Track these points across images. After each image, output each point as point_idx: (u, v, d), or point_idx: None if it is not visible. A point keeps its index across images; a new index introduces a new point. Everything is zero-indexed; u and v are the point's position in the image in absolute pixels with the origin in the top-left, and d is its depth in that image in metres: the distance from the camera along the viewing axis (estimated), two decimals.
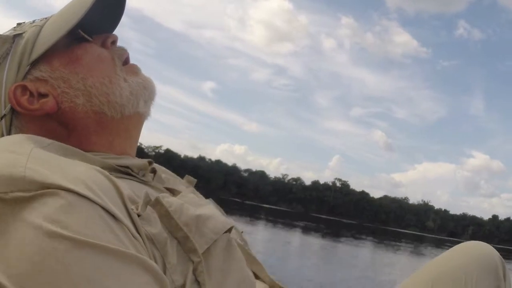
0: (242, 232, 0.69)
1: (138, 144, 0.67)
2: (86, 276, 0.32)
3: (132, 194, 0.49)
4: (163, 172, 0.68)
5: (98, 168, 0.41)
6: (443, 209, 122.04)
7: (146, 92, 0.63)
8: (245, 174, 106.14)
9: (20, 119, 0.59)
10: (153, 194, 0.49)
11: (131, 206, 0.42)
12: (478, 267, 0.78)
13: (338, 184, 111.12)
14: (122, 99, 0.60)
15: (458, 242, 0.90)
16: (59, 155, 0.44)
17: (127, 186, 0.49)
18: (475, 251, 0.82)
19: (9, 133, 0.59)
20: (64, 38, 0.58)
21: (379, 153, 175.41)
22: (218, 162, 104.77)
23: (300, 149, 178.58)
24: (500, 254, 0.84)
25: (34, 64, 0.59)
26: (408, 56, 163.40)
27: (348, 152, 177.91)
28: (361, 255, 15.62)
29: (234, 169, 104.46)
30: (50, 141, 0.49)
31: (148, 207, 0.46)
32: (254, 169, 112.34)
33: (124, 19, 0.68)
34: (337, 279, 8.65)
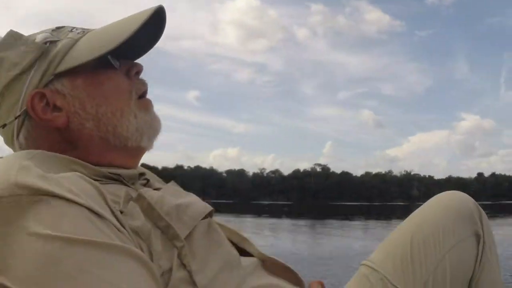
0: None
1: None
2: (79, 268, 0.37)
3: (113, 195, 0.52)
4: (155, 180, 0.71)
5: (80, 174, 0.46)
6: (427, 176, 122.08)
7: (151, 130, 0.66)
8: (225, 175, 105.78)
9: (31, 123, 0.62)
10: (134, 192, 0.54)
11: (113, 205, 0.46)
12: (454, 215, 0.80)
13: (318, 169, 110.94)
14: (128, 133, 0.63)
15: None
16: (48, 164, 0.50)
17: (109, 188, 0.52)
18: (449, 201, 0.83)
19: (18, 133, 0.62)
20: (93, 60, 0.60)
21: (371, 132, 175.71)
22: (197, 168, 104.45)
23: (293, 142, 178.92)
24: (489, 209, 0.91)
25: (58, 76, 0.61)
26: (383, 32, 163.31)
27: (341, 136, 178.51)
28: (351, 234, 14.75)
29: (211, 172, 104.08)
30: (38, 151, 0.54)
31: (131, 202, 0.52)
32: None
33: None
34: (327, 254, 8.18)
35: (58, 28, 0.65)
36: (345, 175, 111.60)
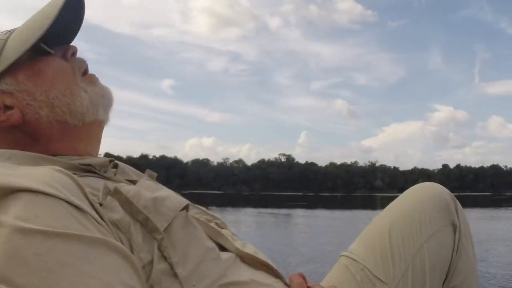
0: (208, 208, 0.72)
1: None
2: (59, 261, 0.37)
3: (91, 188, 0.52)
4: (126, 169, 0.72)
5: (57, 167, 0.46)
6: (392, 167, 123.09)
7: (104, 100, 0.67)
8: (189, 165, 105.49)
9: None
10: (112, 185, 0.54)
11: (92, 198, 0.46)
12: (431, 206, 0.82)
13: (282, 159, 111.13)
14: (82, 108, 0.64)
15: None
16: (24, 163, 0.51)
17: (86, 181, 0.52)
18: (425, 192, 0.85)
19: None
20: (27, 51, 0.61)
21: (345, 122, 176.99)
22: (163, 157, 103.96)
23: (268, 131, 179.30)
24: (463, 201, 0.86)
25: (0, 77, 0.62)
26: (355, 21, 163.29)
27: (315, 126, 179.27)
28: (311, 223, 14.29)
29: (175, 161, 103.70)
30: (13, 151, 0.56)
31: (110, 197, 0.52)
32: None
33: None
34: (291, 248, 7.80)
35: None
36: (309, 165, 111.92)
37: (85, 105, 0.64)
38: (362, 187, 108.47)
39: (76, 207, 0.42)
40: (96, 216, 0.44)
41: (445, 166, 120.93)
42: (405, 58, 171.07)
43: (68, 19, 0.66)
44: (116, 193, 0.52)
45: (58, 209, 0.40)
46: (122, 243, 0.47)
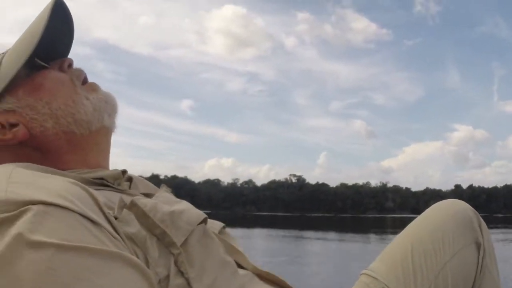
0: (224, 226, 0.72)
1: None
2: (74, 276, 0.36)
3: (107, 201, 0.52)
4: (140, 182, 0.71)
5: (72, 180, 0.45)
6: (404, 188, 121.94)
7: (108, 106, 0.67)
8: (200, 184, 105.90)
9: None
10: (128, 199, 0.53)
11: (107, 211, 0.45)
12: (454, 223, 0.80)
13: (293, 180, 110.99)
14: (87, 116, 0.64)
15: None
16: (37, 176, 0.49)
17: (102, 195, 0.51)
18: (448, 209, 0.84)
19: None
20: (24, 69, 0.61)
21: (364, 142, 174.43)
22: (174, 177, 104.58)
23: (287, 152, 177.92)
24: None
25: (0, 97, 0.62)
26: (370, 41, 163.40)
27: (334, 146, 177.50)
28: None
29: (186, 181, 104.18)
30: (26, 164, 0.54)
31: (126, 211, 0.51)
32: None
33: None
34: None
35: None
36: (320, 186, 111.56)
37: (89, 112, 0.64)
38: (372, 208, 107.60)
39: (91, 220, 0.41)
40: (111, 230, 0.43)
41: (457, 187, 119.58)
42: (422, 77, 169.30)
43: (58, 33, 0.67)
44: (132, 206, 0.52)
45: (72, 222, 0.40)
46: (138, 257, 0.46)
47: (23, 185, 0.43)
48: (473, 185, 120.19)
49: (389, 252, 0.83)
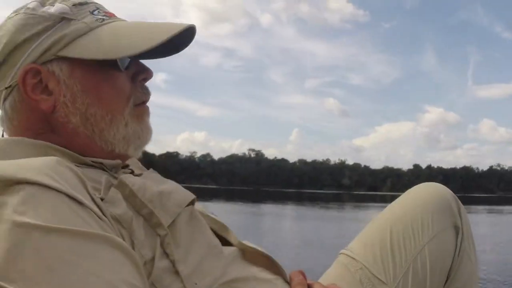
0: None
1: None
2: (59, 258, 0.36)
3: (94, 181, 0.50)
4: (132, 163, 0.68)
5: (58, 158, 0.45)
6: (362, 165, 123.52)
7: (138, 141, 0.63)
8: (157, 157, 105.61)
9: (19, 95, 0.58)
10: (115, 180, 0.52)
11: (93, 192, 0.45)
12: (433, 206, 0.81)
13: (252, 154, 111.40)
14: (114, 139, 0.60)
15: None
16: (30, 151, 0.50)
17: (89, 174, 0.50)
18: (427, 192, 0.84)
19: (5, 99, 0.59)
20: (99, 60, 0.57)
21: (337, 121, 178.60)
22: None
23: (260, 128, 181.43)
24: None
25: (59, 59, 0.57)
26: (347, 20, 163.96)
27: (307, 123, 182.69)
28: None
29: (145, 154, 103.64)
30: (19, 139, 0.54)
31: (113, 189, 0.50)
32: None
33: None
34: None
35: (80, 4, 0.60)
36: (278, 161, 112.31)
37: (118, 138, 0.60)
38: (329, 184, 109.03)
39: (77, 201, 0.41)
40: (97, 210, 0.43)
41: (416, 166, 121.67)
42: (399, 59, 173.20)
43: (168, 46, 0.61)
44: (120, 185, 0.51)
45: (58, 203, 0.39)
46: (124, 239, 0.45)
47: (10, 163, 0.42)
48: (432, 165, 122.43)
49: (368, 233, 0.83)
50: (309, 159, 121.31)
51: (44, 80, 0.57)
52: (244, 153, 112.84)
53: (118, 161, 0.62)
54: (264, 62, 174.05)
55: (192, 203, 0.58)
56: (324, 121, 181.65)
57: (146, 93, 0.63)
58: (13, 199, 0.38)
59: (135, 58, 0.62)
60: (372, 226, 0.84)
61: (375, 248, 0.78)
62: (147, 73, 0.63)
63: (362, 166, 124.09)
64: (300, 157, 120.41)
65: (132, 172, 0.64)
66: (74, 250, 0.37)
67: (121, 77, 0.60)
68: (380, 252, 0.78)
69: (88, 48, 0.56)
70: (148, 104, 0.64)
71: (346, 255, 0.81)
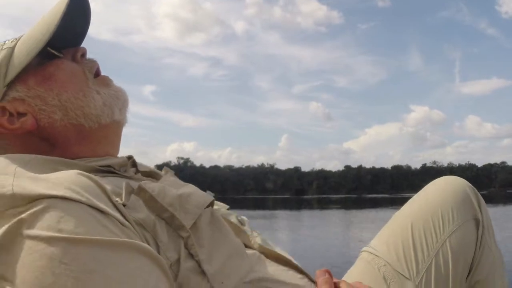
0: (228, 208, 0.74)
1: None
2: (86, 269, 0.37)
3: (115, 188, 0.52)
4: (143, 167, 0.72)
5: (77, 170, 0.47)
6: (284, 169, 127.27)
7: (119, 101, 0.66)
8: None
9: (4, 139, 0.62)
10: (135, 184, 0.54)
11: (115, 199, 0.47)
12: (453, 200, 0.81)
13: (180, 162, 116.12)
14: (96, 110, 0.64)
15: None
16: (43, 167, 0.51)
17: (109, 182, 0.52)
18: (447, 186, 0.85)
19: None
20: (36, 57, 0.61)
21: (324, 125, 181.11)
22: None
23: (249, 135, 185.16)
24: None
25: (10, 85, 0.61)
26: (321, 24, 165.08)
27: (295, 129, 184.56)
28: None
29: None
30: (32, 156, 0.54)
31: (133, 195, 0.52)
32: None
33: None
34: None
35: None
36: (199, 168, 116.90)
37: (99, 107, 0.64)
38: (252, 189, 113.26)
39: (100, 210, 0.42)
40: (120, 218, 0.44)
41: (347, 167, 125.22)
42: (385, 60, 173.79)
43: (74, 22, 0.65)
44: (140, 191, 0.52)
45: (81, 214, 0.40)
46: (148, 243, 0.47)
47: (30, 179, 0.43)
48: (362, 166, 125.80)
49: (389, 230, 0.85)
50: (291, 166, 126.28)
51: (13, 110, 0.61)
52: (170, 161, 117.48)
53: (124, 158, 0.66)
54: (250, 70, 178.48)
55: (211, 204, 0.59)
56: (313, 126, 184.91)
57: (94, 62, 0.67)
58: (37, 215, 0.39)
59: (67, 47, 0.66)
60: (393, 223, 0.85)
61: (397, 245, 0.79)
62: (81, 50, 0.67)
63: (293, 168, 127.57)
64: (289, 163, 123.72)
65: (135, 166, 0.68)
66: (100, 259, 0.38)
67: (65, 60, 0.65)
68: (402, 248, 0.79)
69: (21, 58, 0.60)
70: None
71: (369, 252, 0.82)
